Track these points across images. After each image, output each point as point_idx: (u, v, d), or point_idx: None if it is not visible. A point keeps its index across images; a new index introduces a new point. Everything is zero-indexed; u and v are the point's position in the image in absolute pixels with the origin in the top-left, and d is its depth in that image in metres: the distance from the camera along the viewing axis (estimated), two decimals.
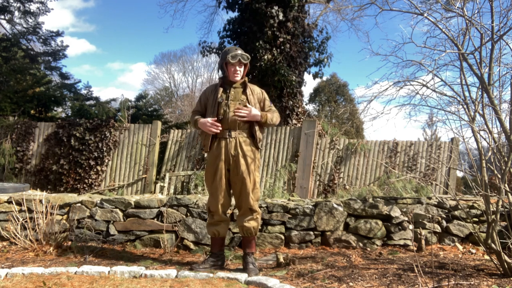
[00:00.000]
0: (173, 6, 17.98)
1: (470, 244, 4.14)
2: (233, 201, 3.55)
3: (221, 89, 3.43)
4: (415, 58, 4.12)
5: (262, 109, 3.49)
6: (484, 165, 3.21)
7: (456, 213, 4.21)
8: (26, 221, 3.95)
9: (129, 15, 45.59)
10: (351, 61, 39.92)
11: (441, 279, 2.99)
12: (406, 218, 4.15)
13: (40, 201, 4.07)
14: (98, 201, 4.22)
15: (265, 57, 8.60)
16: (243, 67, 3.44)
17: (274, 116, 3.49)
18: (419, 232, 4.06)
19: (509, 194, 3.20)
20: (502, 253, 3.09)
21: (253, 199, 3.32)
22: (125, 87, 44.78)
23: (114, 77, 48.01)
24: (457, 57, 3.44)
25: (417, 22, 3.57)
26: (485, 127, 3.17)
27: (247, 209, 3.32)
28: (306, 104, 18.44)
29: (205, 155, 3.65)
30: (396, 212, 4.16)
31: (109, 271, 3.15)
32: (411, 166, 7.32)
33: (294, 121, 9.03)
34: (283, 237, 4.13)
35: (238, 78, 3.42)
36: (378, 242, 4.13)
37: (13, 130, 8.04)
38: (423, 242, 3.98)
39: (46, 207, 3.96)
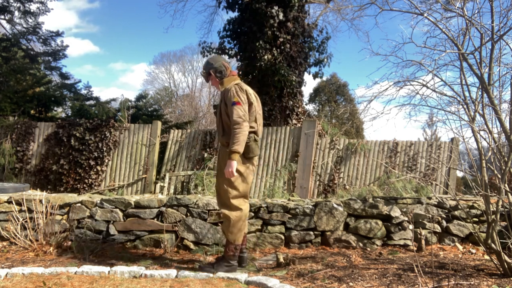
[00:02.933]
0: (173, 6, 18.00)
1: (470, 244, 4.14)
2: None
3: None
4: (415, 58, 4.13)
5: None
6: (484, 165, 3.21)
7: (456, 213, 4.21)
8: (26, 221, 3.95)
9: (132, 16, 45.77)
10: (351, 61, 39.96)
11: (441, 279, 2.99)
12: (406, 218, 4.15)
13: (40, 201, 4.07)
14: (98, 201, 4.22)
15: (265, 57, 8.60)
16: (209, 77, 3.49)
17: (234, 137, 3.13)
18: (419, 232, 4.06)
19: (509, 194, 3.19)
20: (502, 253, 3.09)
21: (220, 201, 3.37)
22: (126, 87, 44.87)
23: (115, 77, 48.10)
24: (457, 57, 3.44)
25: (417, 22, 3.58)
26: (485, 127, 3.17)
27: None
28: (306, 104, 18.44)
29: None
30: (396, 212, 4.16)
31: (109, 271, 3.15)
32: (411, 166, 7.32)
33: (294, 121, 9.03)
34: (283, 237, 4.13)
35: (217, 88, 3.50)
36: (378, 242, 4.12)
37: (13, 130, 8.04)
38: (423, 242, 3.98)
39: (46, 207, 3.96)
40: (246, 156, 3.28)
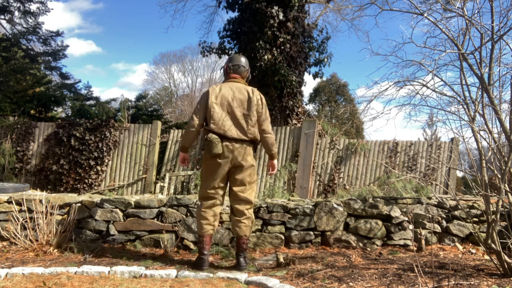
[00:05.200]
0: (173, 6, 18.03)
1: (470, 244, 4.14)
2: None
3: None
4: (415, 58, 4.13)
5: None
6: (484, 165, 3.20)
7: (456, 213, 4.21)
8: (26, 221, 3.95)
9: (135, 17, 45.82)
10: (351, 61, 39.97)
11: (441, 279, 2.99)
12: (406, 218, 4.15)
13: (40, 201, 4.07)
14: (98, 201, 4.22)
15: (265, 57, 8.60)
16: None
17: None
18: (419, 232, 4.06)
19: (509, 194, 3.19)
20: (502, 253, 3.09)
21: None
22: (128, 87, 44.94)
23: (117, 78, 48.14)
24: (457, 57, 3.44)
25: (417, 22, 3.57)
26: (485, 127, 3.17)
27: None
28: (306, 104, 18.46)
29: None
30: (396, 212, 4.16)
31: (109, 271, 3.15)
32: (411, 166, 7.32)
33: (294, 121, 9.03)
34: (283, 237, 4.13)
35: None
36: (378, 242, 4.12)
37: (13, 130, 8.04)
38: (423, 242, 3.98)
39: (46, 207, 3.96)
40: (208, 154, 3.46)
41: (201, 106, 3.48)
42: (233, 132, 3.43)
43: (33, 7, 11.58)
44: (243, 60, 3.66)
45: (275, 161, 3.68)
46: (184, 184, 7.39)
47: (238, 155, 3.43)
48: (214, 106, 3.43)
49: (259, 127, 3.52)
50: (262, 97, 3.59)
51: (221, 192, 3.51)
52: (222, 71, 3.78)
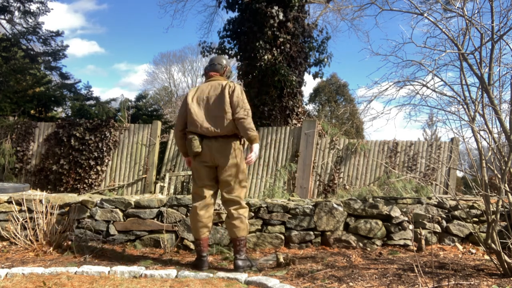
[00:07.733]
0: (173, 6, 18.02)
1: (470, 244, 4.14)
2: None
3: None
4: (415, 58, 4.12)
5: None
6: (484, 165, 3.20)
7: (456, 213, 4.21)
8: (26, 221, 3.95)
9: (138, 17, 45.83)
10: (351, 61, 39.93)
11: (441, 279, 2.99)
12: (406, 218, 4.15)
13: (40, 201, 4.07)
14: (98, 201, 4.22)
15: (265, 57, 8.59)
16: None
17: None
18: (419, 232, 4.06)
19: (509, 194, 3.19)
20: (502, 253, 3.09)
21: None
22: (129, 87, 44.90)
23: (118, 78, 48.11)
24: (457, 57, 3.44)
25: (417, 22, 3.57)
26: (485, 127, 3.17)
27: None
28: (306, 104, 18.45)
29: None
30: (396, 212, 4.16)
31: (109, 271, 3.15)
32: (411, 166, 7.32)
33: (294, 121, 9.03)
34: (283, 237, 4.13)
35: None
36: (378, 242, 4.12)
37: (13, 130, 8.04)
38: (423, 242, 3.98)
39: (46, 207, 3.96)
40: (190, 154, 3.48)
41: (181, 111, 3.57)
42: (210, 129, 3.38)
43: (33, 7, 11.59)
44: (218, 58, 3.67)
45: (255, 146, 3.36)
46: (184, 184, 7.39)
47: (217, 153, 3.38)
48: (191, 106, 3.47)
49: (234, 116, 3.36)
50: (237, 87, 3.45)
51: (211, 191, 3.46)
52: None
